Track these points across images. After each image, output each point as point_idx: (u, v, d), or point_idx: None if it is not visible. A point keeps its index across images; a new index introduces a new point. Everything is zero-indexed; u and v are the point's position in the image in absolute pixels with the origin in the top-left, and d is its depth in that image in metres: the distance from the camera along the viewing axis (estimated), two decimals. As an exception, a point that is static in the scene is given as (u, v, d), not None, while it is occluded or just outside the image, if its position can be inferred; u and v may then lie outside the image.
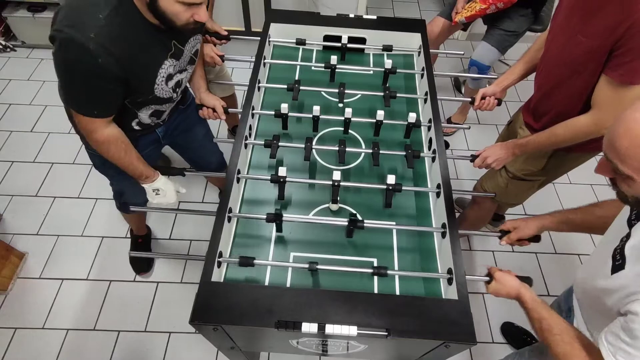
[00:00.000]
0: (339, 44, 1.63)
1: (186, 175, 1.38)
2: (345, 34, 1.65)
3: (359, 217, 1.24)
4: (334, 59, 1.52)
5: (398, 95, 1.49)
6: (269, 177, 1.20)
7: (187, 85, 1.49)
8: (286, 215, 1.22)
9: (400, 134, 1.45)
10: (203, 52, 1.50)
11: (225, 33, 1.69)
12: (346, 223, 1.13)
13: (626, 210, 0.90)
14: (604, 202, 1.12)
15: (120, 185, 1.60)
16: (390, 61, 1.53)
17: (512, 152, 1.39)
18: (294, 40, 1.63)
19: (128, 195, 1.64)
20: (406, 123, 1.38)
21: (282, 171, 1.18)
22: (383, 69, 1.55)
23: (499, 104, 1.57)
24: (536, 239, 1.20)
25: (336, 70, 1.55)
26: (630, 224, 0.86)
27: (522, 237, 1.18)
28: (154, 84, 1.17)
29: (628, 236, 0.84)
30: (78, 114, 1.11)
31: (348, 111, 1.35)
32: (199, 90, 1.49)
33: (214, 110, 1.49)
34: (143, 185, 1.35)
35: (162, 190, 1.36)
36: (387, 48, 1.64)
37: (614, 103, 1.11)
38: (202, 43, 1.47)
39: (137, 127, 1.32)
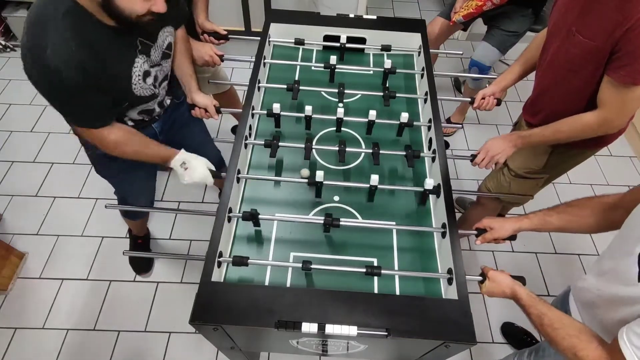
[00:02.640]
0: (339, 44, 1.63)
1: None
2: (345, 34, 1.65)
3: (359, 217, 1.24)
4: (333, 59, 1.52)
5: (398, 95, 1.49)
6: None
7: (179, 80, 1.46)
8: (286, 216, 1.22)
9: (401, 134, 1.45)
10: (190, 49, 1.46)
11: (225, 33, 1.69)
12: (347, 223, 1.14)
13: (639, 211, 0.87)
14: (578, 201, 1.11)
15: (123, 191, 1.59)
16: (389, 61, 1.53)
17: (514, 143, 1.36)
18: (294, 40, 1.63)
19: (131, 199, 1.64)
20: (405, 122, 1.38)
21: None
22: (383, 69, 1.55)
23: (498, 104, 1.57)
24: (511, 237, 1.19)
25: (336, 70, 1.55)
26: None
27: (498, 237, 1.17)
28: (131, 84, 1.14)
29: None
30: (83, 129, 1.12)
31: (340, 111, 1.35)
32: (189, 90, 1.45)
33: (206, 110, 1.46)
34: (172, 166, 1.28)
35: (187, 161, 1.27)
36: (386, 48, 1.64)
37: (619, 103, 1.13)
38: (185, 38, 1.41)
39: (130, 123, 1.31)
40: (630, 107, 1.14)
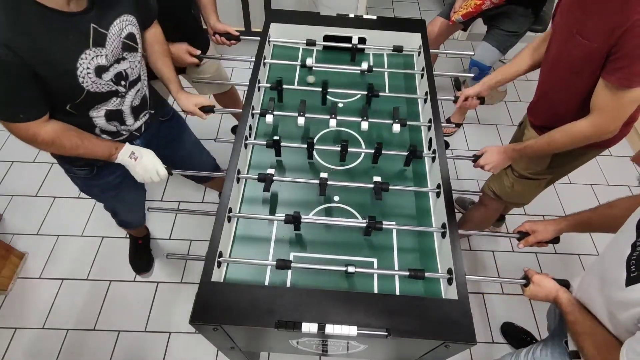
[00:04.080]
0: (339, 44, 1.64)
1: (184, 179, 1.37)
2: (345, 34, 1.65)
3: (359, 217, 1.24)
4: (309, 61, 1.53)
5: (398, 95, 1.50)
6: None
7: (162, 94, 1.43)
8: (320, 219, 1.23)
9: (400, 134, 1.45)
10: (168, 51, 1.39)
11: (237, 34, 1.68)
12: (348, 223, 1.14)
13: (636, 213, 0.87)
14: (617, 202, 1.11)
15: (110, 204, 1.56)
16: (366, 62, 1.55)
17: (509, 156, 1.40)
18: (294, 40, 1.63)
19: (122, 213, 1.63)
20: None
21: (269, 170, 1.20)
22: (384, 69, 1.56)
23: (482, 102, 1.59)
24: (555, 240, 1.20)
25: (335, 70, 1.56)
26: None
27: (541, 240, 1.19)
28: (77, 78, 1.02)
29: None
30: (9, 124, 1.00)
31: (332, 124, 1.36)
32: (172, 94, 1.42)
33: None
34: (119, 161, 1.23)
35: (135, 151, 1.24)
36: (398, 49, 1.64)
37: (613, 106, 1.12)
38: (161, 40, 1.34)
39: (105, 137, 1.23)
40: (624, 111, 1.12)
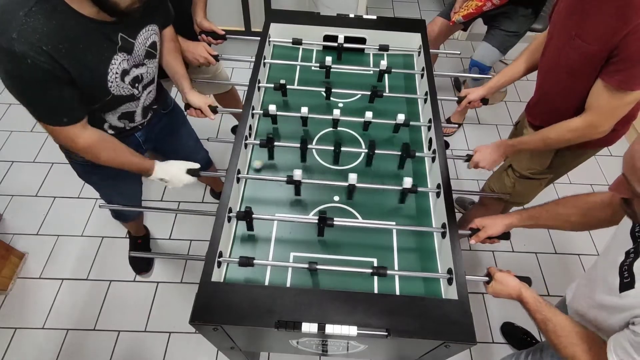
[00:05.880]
0: (337, 44, 1.64)
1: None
2: (345, 34, 1.65)
3: (359, 217, 1.24)
4: (329, 59, 1.52)
5: (398, 95, 1.50)
6: (285, 179, 1.20)
7: (166, 88, 1.44)
8: (283, 216, 1.22)
9: (400, 133, 1.45)
10: (179, 48, 1.43)
11: (222, 33, 1.68)
12: (347, 223, 1.14)
13: (628, 220, 0.88)
14: (566, 199, 1.13)
15: (108, 195, 1.58)
16: (385, 62, 1.54)
17: (504, 151, 1.40)
18: (292, 40, 1.63)
19: (118, 204, 1.63)
20: (402, 122, 1.39)
21: (297, 174, 1.19)
22: (378, 69, 1.55)
23: (485, 103, 1.60)
24: (505, 236, 1.19)
25: (335, 70, 1.56)
26: (635, 236, 0.84)
27: (490, 235, 1.17)
28: (107, 82, 1.08)
29: (636, 252, 0.81)
30: (52, 127, 1.05)
31: (336, 112, 1.36)
32: (183, 91, 1.43)
33: (201, 110, 1.44)
34: (150, 179, 1.30)
35: (164, 176, 1.29)
36: (384, 48, 1.64)
37: (610, 107, 1.13)
38: (173, 37, 1.38)
39: (111, 132, 1.26)
40: (619, 112, 1.14)
